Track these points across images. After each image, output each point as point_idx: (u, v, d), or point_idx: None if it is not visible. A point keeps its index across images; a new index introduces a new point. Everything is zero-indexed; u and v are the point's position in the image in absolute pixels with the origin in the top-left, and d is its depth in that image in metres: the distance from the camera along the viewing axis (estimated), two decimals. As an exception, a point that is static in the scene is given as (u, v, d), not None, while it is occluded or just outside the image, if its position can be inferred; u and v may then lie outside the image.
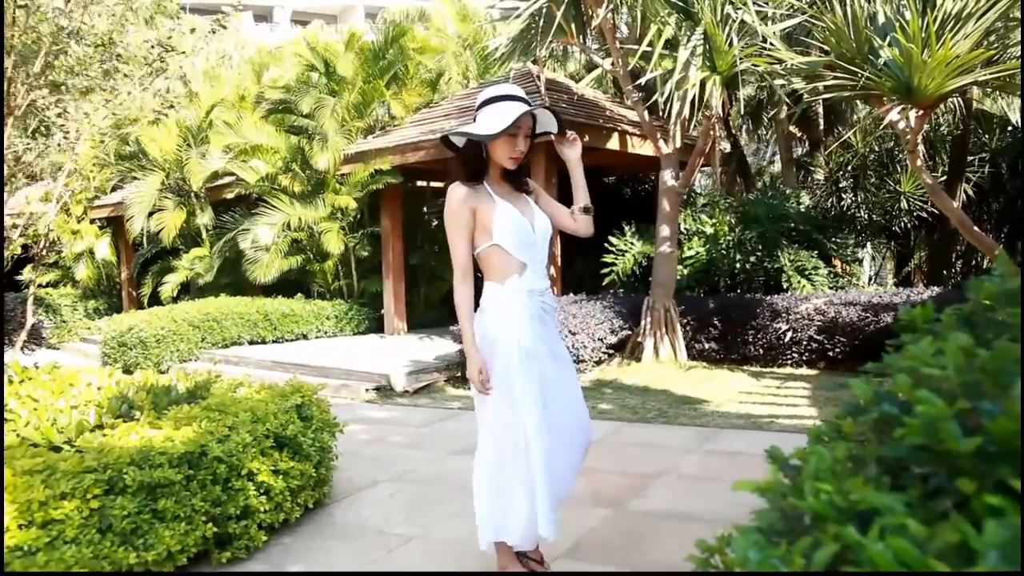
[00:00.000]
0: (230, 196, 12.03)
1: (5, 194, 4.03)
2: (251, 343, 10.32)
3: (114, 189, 14.28)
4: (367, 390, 7.47)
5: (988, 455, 0.76)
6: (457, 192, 2.69)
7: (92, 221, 14.70)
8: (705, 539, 0.94)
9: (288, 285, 12.10)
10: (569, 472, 2.75)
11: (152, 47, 4.31)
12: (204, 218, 12.82)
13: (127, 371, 8.90)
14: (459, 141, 2.74)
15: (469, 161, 2.70)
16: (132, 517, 2.78)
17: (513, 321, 2.66)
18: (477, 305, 2.74)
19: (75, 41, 4.16)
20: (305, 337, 10.89)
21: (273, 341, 10.54)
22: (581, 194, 2.88)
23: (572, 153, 2.89)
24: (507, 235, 2.68)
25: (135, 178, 13.17)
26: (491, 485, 2.67)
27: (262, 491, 3.30)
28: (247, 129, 11.41)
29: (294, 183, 11.30)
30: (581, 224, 2.88)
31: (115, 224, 14.72)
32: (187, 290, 13.45)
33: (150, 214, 12.78)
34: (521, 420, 2.60)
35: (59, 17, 4.12)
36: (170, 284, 12.69)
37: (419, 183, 12.70)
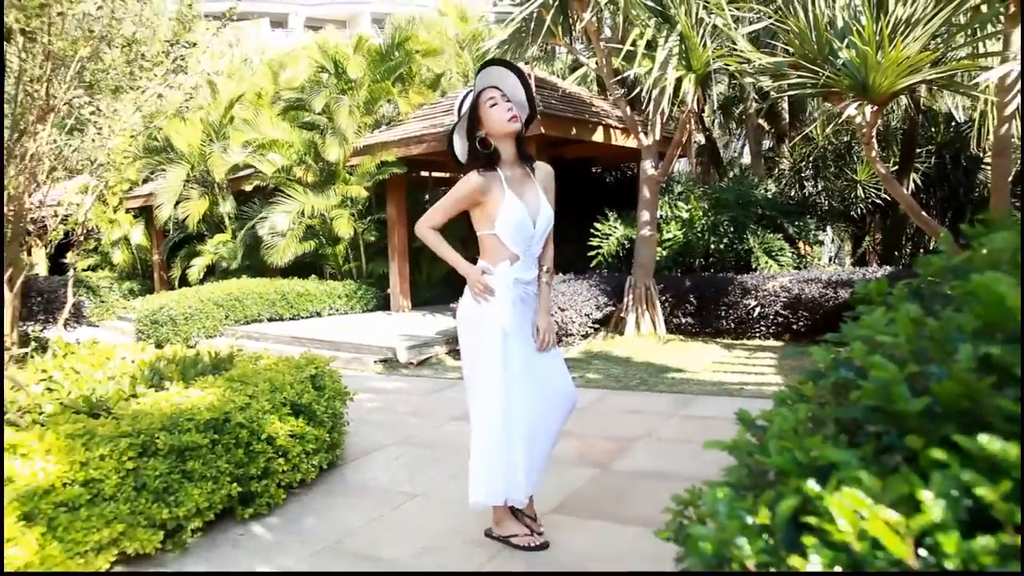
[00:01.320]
0: (249, 187, 11.96)
1: (47, 187, 3.99)
2: (270, 320, 10.30)
3: (145, 181, 14.17)
4: (375, 362, 7.47)
5: (935, 415, 0.76)
6: (472, 179, 2.64)
7: (127, 211, 14.62)
8: (680, 494, 0.95)
9: (303, 267, 12.07)
10: (553, 434, 2.74)
11: (172, 44, 4.25)
12: (226, 207, 12.74)
13: (158, 346, 8.88)
14: (462, 152, 2.72)
15: (477, 160, 2.68)
16: (164, 477, 2.79)
17: (497, 304, 2.64)
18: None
19: (107, 44, 4.11)
20: (319, 314, 10.87)
21: (290, 318, 10.52)
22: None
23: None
24: (507, 228, 2.64)
25: (163, 170, 13.07)
26: (483, 448, 2.65)
27: (280, 454, 3.30)
28: (264, 125, 11.32)
29: (308, 174, 11.24)
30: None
31: (147, 213, 14.64)
32: (212, 272, 13.39)
33: (177, 203, 12.71)
34: (505, 390, 2.60)
35: (92, 22, 4.06)
36: (197, 267, 12.65)
37: (422, 173, 12.63)
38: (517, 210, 2.64)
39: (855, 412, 0.83)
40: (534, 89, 8.50)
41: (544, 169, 2.79)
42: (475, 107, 2.64)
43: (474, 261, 2.76)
